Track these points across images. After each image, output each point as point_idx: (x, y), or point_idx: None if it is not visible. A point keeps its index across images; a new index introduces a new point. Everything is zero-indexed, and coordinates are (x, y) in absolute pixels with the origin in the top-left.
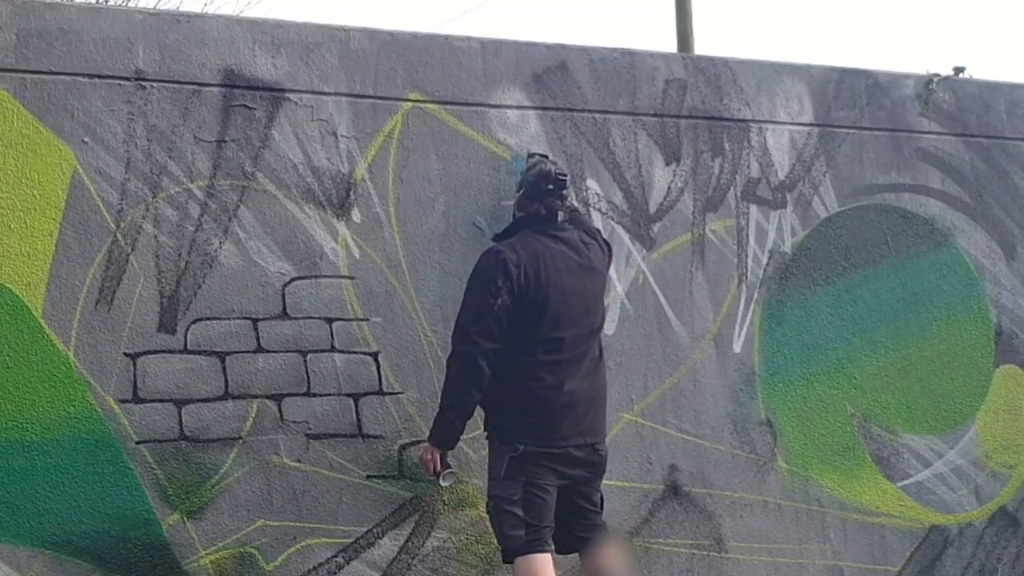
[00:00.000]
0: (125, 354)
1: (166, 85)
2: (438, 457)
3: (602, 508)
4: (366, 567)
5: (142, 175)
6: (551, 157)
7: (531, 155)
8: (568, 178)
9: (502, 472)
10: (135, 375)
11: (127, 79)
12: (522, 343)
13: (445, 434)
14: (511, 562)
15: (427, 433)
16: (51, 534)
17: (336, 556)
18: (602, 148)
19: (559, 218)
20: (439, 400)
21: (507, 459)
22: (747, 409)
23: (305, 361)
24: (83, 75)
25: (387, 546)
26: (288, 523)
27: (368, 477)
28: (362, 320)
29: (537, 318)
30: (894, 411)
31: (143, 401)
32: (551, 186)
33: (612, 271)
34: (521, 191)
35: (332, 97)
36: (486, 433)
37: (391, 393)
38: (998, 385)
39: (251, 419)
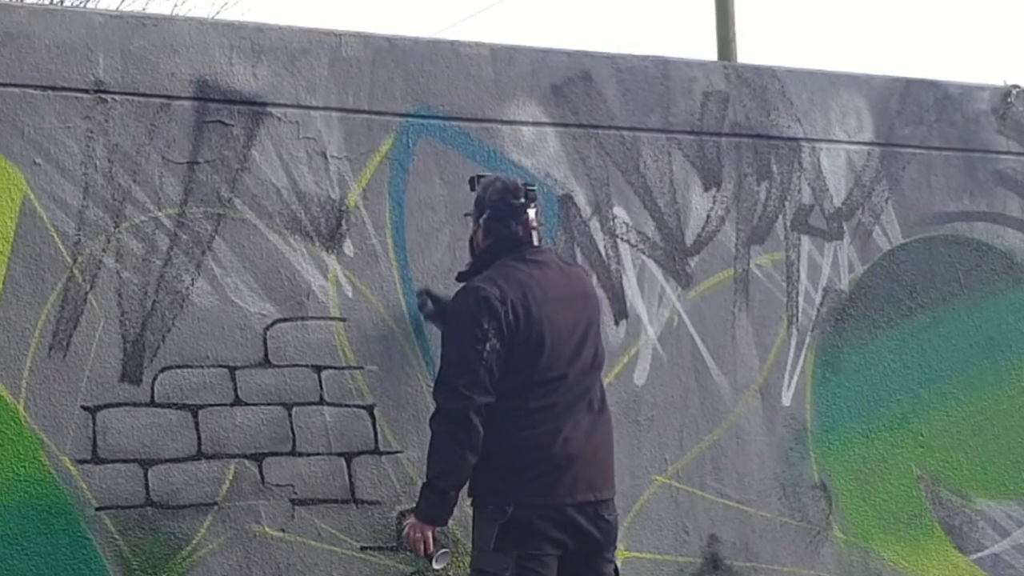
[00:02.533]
0: (83, 407)
1: (130, 98)
2: (430, 535)
3: None
4: None
5: (103, 201)
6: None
7: (477, 177)
8: (535, 188)
9: (491, 543)
10: (94, 431)
11: (85, 91)
12: (512, 389)
13: (437, 508)
14: None
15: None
16: None
17: None
18: (631, 171)
19: (535, 238)
20: (426, 468)
21: (496, 527)
22: (798, 470)
23: (290, 415)
24: (35, 87)
25: None
26: None
27: (362, 549)
28: (355, 368)
29: (531, 360)
30: (967, 473)
31: (104, 461)
32: (521, 199)
33: (644, 311)
34: (485, 214)
35: (321, 112)
36: (470, 496)
37: (389, 452)
38: None
39: (228, 482)
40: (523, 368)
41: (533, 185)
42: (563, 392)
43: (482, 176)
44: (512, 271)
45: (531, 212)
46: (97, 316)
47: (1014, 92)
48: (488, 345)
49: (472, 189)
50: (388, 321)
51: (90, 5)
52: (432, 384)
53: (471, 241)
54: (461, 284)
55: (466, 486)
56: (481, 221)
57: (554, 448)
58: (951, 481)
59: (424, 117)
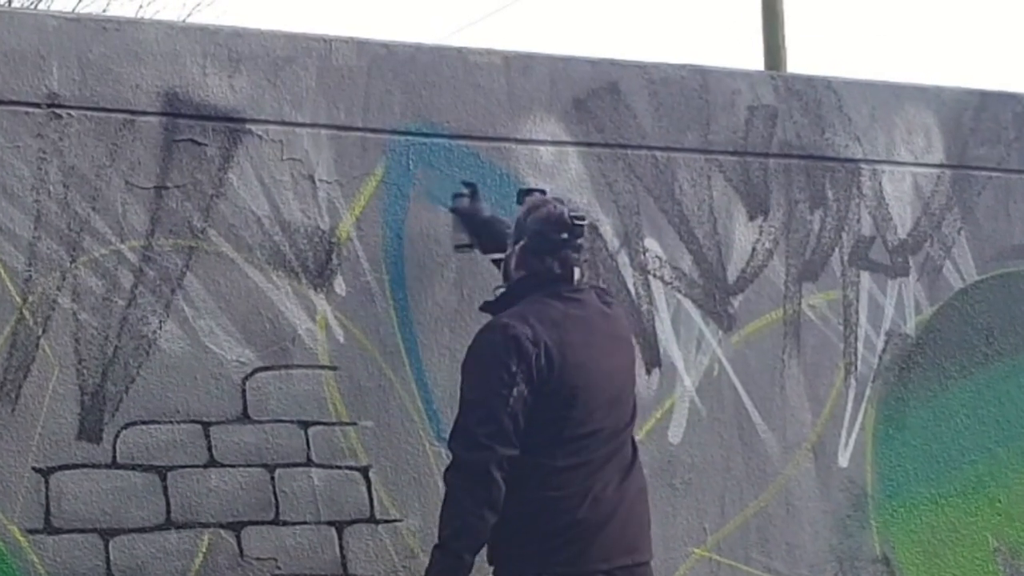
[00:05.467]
0: (34, 469)
1: (88, 113)
2: None
3: None
4: None
5: (57, 232)
6: (553, 195)
7: (527, 192)
8: (587, 222)
9: None
10: (47, 497)
11: (37, 105)
12: (539, 444)
13: (449, 574)
14: None
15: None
16: None
17: None
18: (665, 197)
19: (576, 276)
20: (439, 528)
21: None
22: (857, 542)
23: (272, 478)
24: None
25: None
26: None
27: None
28: (348, 424)
29: (562, 413)
30: None
31: (58, 531)
32: (565, 235)
33: (679, 359)
34: (521, 243)
35: (308, 129)
36: (492, 567)
37: (386, 521)
38: None
39: (201, 555)
40: (553, 421)
41: (583, 218)
42: (594, 449)
43: (532, 191)
44: (547, 309)
45: (574, 249)
46: (51, 364)
47: None
48: (515, 391)
49: (519, 203)
50: (385, 370)
51: (42, 7)
52: (434, 441)
53: (505, 264)
54: (487, 316)
55: (484, 554)
56: (516, 248)
57: (582, 511)
58: None
59: (427, 135)
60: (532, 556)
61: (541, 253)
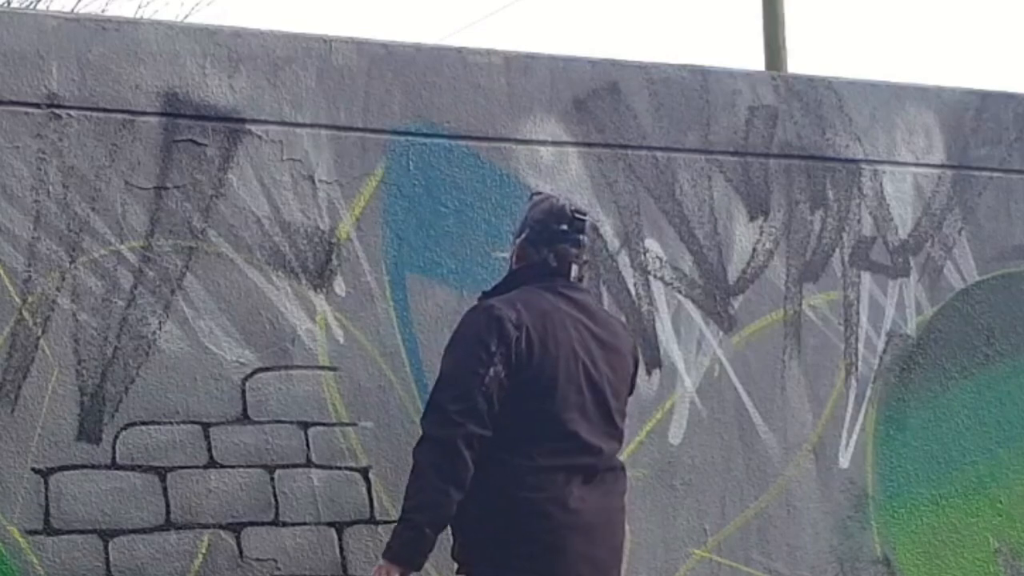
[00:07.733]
0: (34, 470)
1: (88, 114)
2: None
3: None
4: None
5: (56, 233)
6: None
7: (536, 193)
8: (588, 219)
9: None
10: (47, 498)
11: (36, 105)
12: (516, 437)
13: (410, 547)
14: None
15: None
16: None
17: None
18: (665, 197)
19: (573, 272)
20: (403, 502)
21: None
22: (858, 543)
23: (272, 479)
24: None
25: None
26: None
27: None
28: (347, 425)
29: (540, 404)
30: None
31: (58, 532)
32: (564, 226)
33: (680, 359)
34: (523, 235)
35: (308, 129)
36: (456, 565)
37: (386, 522)
38: None
39: (200, 556)
40: (530, 412)
41: (584, 214)
42: (575, 454)
43: (538, 193)
44: (537, 299)
45: (573, 244)
46: (50, 365)
47: None
48: (492, 371)
49: None
50: (385, 371)
51: (42, 7)
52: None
53: (513, 254)
54: None
55: (453, 548)
56: (517, 241)
57: (559, 518)
58: None
59: (427, 135)
60: (502, 559)
61: (539, 244)
